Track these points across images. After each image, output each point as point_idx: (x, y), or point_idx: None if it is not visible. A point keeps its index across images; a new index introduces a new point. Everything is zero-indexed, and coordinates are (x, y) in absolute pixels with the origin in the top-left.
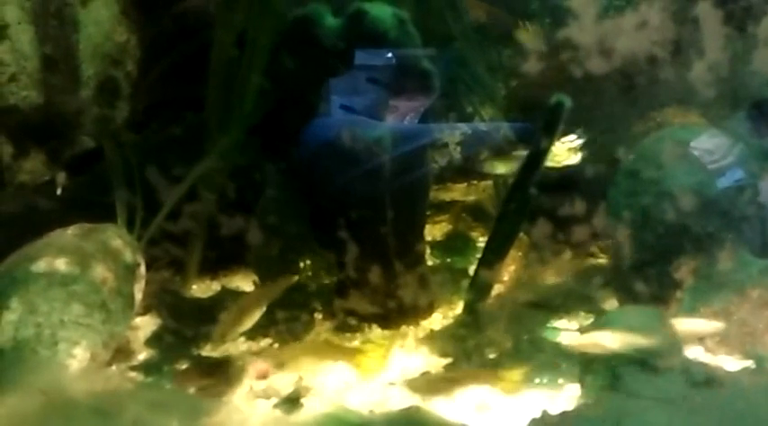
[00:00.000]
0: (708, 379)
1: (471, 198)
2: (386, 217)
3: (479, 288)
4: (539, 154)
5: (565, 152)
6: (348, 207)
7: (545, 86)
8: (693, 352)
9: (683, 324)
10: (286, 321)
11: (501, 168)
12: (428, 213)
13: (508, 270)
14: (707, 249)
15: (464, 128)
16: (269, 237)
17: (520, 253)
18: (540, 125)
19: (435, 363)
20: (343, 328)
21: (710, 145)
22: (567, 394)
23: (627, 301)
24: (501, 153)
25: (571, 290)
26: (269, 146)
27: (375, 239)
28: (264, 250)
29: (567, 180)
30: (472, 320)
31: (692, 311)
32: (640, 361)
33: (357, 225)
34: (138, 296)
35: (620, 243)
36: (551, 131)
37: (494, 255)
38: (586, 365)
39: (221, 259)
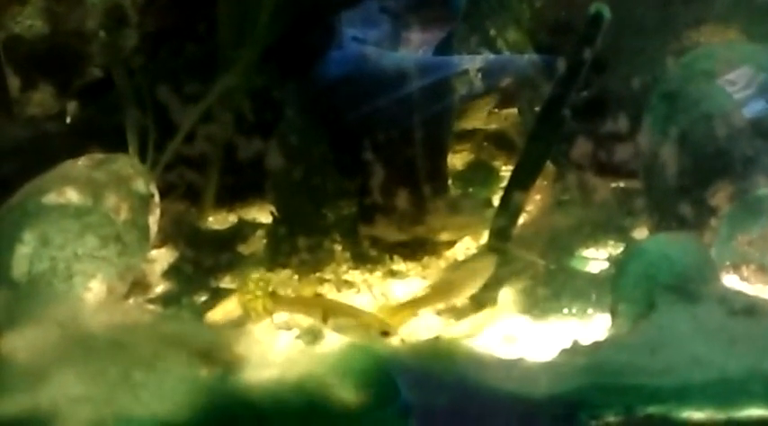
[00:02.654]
0: (747, 308)
1: (493, 126)
2: (408, 146)
3: (510, 211)
4: (577, 67)
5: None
6: (370, 134)
7: (573, 5)
8: (729, 281)
9: None
10: (306, 252)
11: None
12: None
13: (534, 200)
14: (746, 174)
15: (487, 56)
16: (289, 161)
17: (546, 182)
18: (578, 37)
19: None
20: (364, 260)
21: (731, 75)
22: (597, 325)
23: (659, 229)
24: (526, 81)
25: (600, 218)
26: (286, 69)
27: (398, 167)
28: (285, 175)
29: (597, 103)
30: (502, 245)
31: (728, 239)
32: (676, 289)
33: (380, 152)
34: (154, 227)
35: (654, 168)
36: (590, 43)
37: (526, 176)
38: (619, 294)
39: (238, 190)
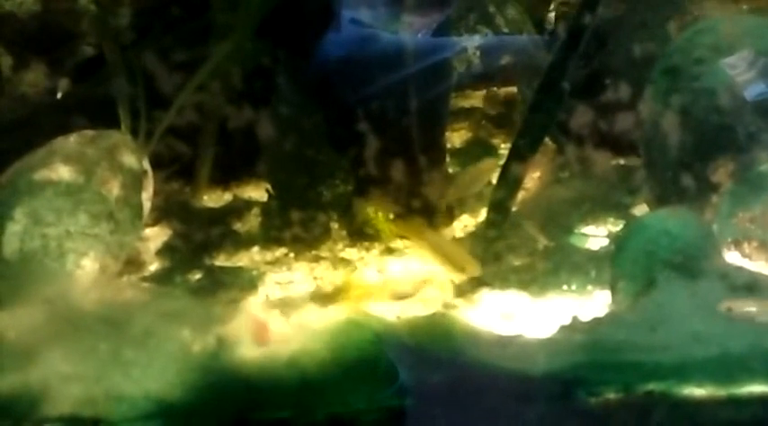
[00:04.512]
0: (748, 285)
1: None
2: (406, 125)
3: (510, 183)
4: (578, 33)
5: None
6: (369, 114)
7: None
8: (730, 258)
9: None
10: (302, 229)
11: None
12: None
13: (533, 177)
14: (748, 150)
15: (486, 36)
16: (283, 132)
17: (545, 159)
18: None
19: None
20: (361, 237)
21: (732, 59)
22: (597, 301)
23: (659, 204)
24: (524, 59)
25: (600, 194)
26: (282, 45)
27: (396, 146)
28: (280, 152)
29: (598, 78)
30: (501, 219)
31: (729, 215)
32: (676, 266)
33: (378, 131)
34: (147, 205)
35: (655, 143)
36: (591, 8)
37: (526, 148)
38: (618, 270)
39: (232, 168)
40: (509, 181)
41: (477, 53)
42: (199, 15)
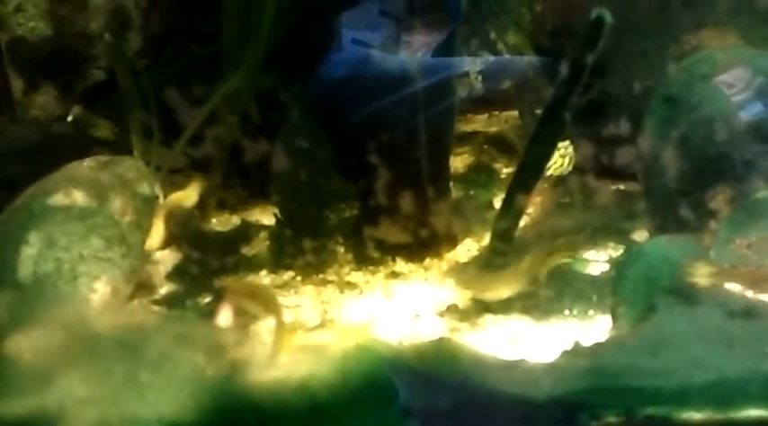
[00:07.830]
0: (746, 311)
1: (494, 129)
2: (410, 148)
3: (512, 213)
4: (578, 70)
5: (558, 159)
6: (373, 136)
7: (572, 9)
8: (730, 284)
9: None
10: (310, 253)
11: None
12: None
13: (534, 202)
14: (745, 177)
15: (487, 59)
16: (294, 163)
17: (546, 185)
18: (580, 40)
19: (462, 295)
20: (366, 261)
21: (729, 78)
22: (598, 326)
23: (659, 231)
24: (525, 82)
25: (600, 220)
26: (289, 71)
27: (400, 169)
28: (290, 176)
29: (597, 107)
30: (505, 247)
31: (727, 242)
32: (675, 292)
33: (382, 154)
34: None
35: (654, 171)
36: (592, 46)
37: (527, 178)
38: (619, 296)
39: (240, 192)
40: (512, 211)
41: (479, 77)
42: (209, 42)
